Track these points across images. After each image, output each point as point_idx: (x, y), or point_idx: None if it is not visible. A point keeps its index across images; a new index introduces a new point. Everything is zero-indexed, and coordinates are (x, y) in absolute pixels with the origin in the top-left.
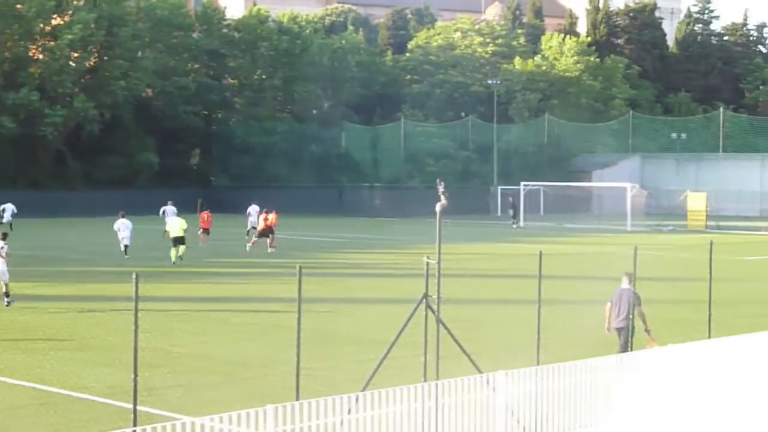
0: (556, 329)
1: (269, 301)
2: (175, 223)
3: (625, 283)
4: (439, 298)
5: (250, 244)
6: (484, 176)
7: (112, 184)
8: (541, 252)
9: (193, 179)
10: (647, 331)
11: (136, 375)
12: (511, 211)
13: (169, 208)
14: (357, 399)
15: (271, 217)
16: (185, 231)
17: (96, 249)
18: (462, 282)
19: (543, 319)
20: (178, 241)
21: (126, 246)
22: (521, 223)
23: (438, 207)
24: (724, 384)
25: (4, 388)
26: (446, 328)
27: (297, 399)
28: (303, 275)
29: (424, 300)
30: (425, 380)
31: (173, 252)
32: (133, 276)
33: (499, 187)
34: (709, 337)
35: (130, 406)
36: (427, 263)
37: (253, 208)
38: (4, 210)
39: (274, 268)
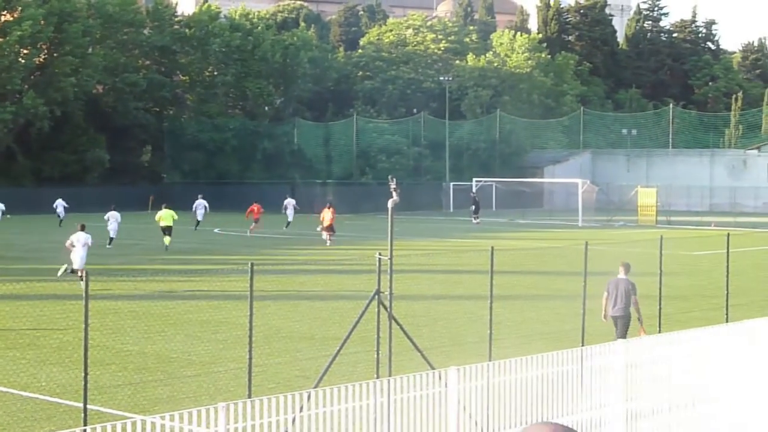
0: (507, 324)
1: (220, 299)
2: (166, 214)
3: (621, 273)
4: (391, 294)
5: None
6: (437, 172)
7: (62, 181)
8: (492, 247)
9: (144, 176)
10: (639, 320)
11: (86, 373)
12: (473, 207)
13: (112, 213)
14: (309, 396)
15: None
16: (175, 220)
17: (43, 246)
18: (414, 278)
19: (495, 314)
20: (167, 230)
21: (111, 238)
22: (480, 219)
23: (390, 203)
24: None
25: None
26: (398, 324)
27: (249, 396)
28: (254, 272)
29: (376, 296)
30: (378, 376)
31: (165, 239)
32: (83, 273)
33: (451, 183)
34: (659, 332)
35: (81, 405)
36: (380, 259)
37: (289, 202)
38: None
39: (224, 264)
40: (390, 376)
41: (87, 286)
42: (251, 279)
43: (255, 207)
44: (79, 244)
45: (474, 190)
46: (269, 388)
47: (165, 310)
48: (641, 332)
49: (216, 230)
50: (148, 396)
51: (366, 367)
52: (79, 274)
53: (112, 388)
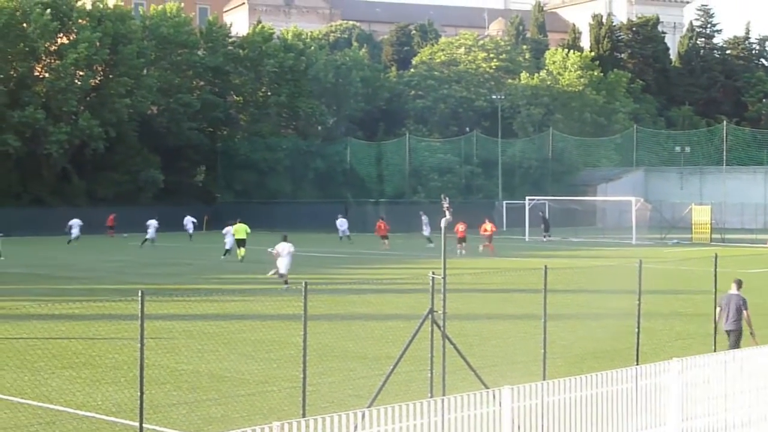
0: (560, 343)
1: (273, 318)
2: (241, 228)
3: (733, 289)
4: (444, 313)
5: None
6: (489, 191)
7: (116, 201)
8: (546, 266)
9: (197, 196)
10: (752, 334)
11: (141, 392)
12: (542, 225)
13: (152, 222)
14: (363, 415)
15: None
16: (248, 234)
17: (100, 266)
18: (467, 297)
19: (548, 333)
20: (241, 243)
21: (227, 250)
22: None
23: (443, 222)
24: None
25: (9, 407)
26: (452, 343)
27: (303, 416)
28: (307, 291)
29: (429, 315)
30: (431, 396)
31: (239, 251)
32: (139, 293)
33: (504, 202)
34: (714, 350)
35: (136, 423)
36: (433, 278)
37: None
38: (71, 227)
39: (277, 284)
40: (443, 395)
41: (143, 305)
42: (305, 298)
43: (381, 224)
44: (284, 252)
45: (544, 209)
46: (322, 407)
47: (218, 329)
48: (753, 343)
49: (270, 250)
50: (202, 415)
51: (419, 386)
52: (285, 279)
53: (166, 407)
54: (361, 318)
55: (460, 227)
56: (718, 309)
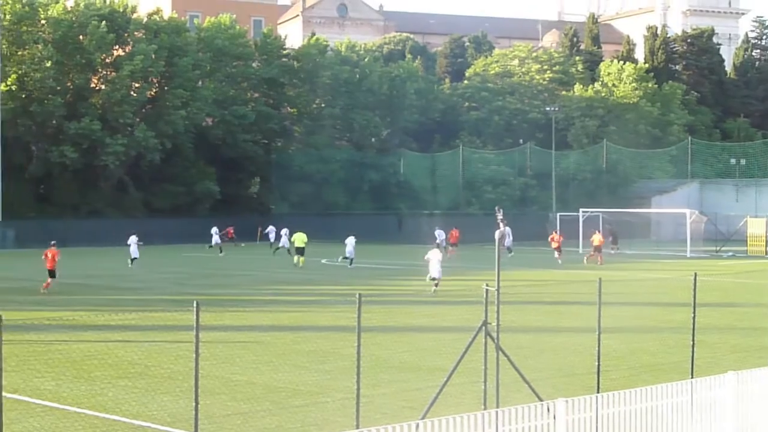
0: (614, 356)
1: (326, 329)
2: (300, 236)
3: None
4: (498, 325)
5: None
6: (543, 202)
7: (172, 213)
8: (600, 279)
9: (253, 207)
10: None
11: (196, 402)
12: (611, 238)
13: (132, 238)
14: (417, 427)
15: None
16: (306, 243)
17: (155, 277)
18: (520, 309)
19: (603, 345)
20: (299, 251)
21: (351, 259)
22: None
23: (497, 234)
24: None
25: (67, 417)
26: (506, 355)
27: (357, 427)
28: (361, 303)
29: (483, 327)
30: (485, 408)
31: (296, 258)
32: (194, 304)
33: (558, 214)
34: None
35: None
36: (487, 290)
37: (438, 233)
38: (268, 232)
39: (331, 295)
40: (497, 407)
41: (198, 315)
42: (359, 309)
43: (454, 232)
44: (435, 258)
45: (610, 222)
46: (375, 418)
47: (273, 340)
48: None
49: (323, 261)
50: (257, 426)
51: (473, 398)
52: (436, 282)
53: (221, 418)
54: (415, 330)
55: (556, 236)
56: None
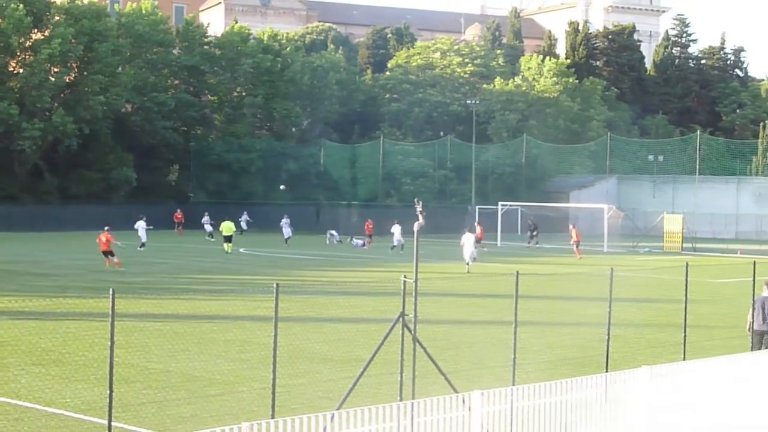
0: (530, 350)
1: (244, 319)
2: (227, 225)
3: (765, 292)
4: (415, 316)
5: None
6: (462, 195)
7: (88, 199)
8: (517, 272)
9: (170, 195)
10: None
11: (111, 390)
12: (529, 232)
13: (140, 223)
14: (332, 417)
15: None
16: (233, 231)
17: (71, 263)
18: (438, 301)
19: (519, 339)
20: (227, 239)
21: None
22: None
23: (416, 226)
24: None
25: None
26: (423, 347)
27: (273, 416)
28: (279, 292)
29: (400, 319)
30: (401, 399)
31: (226, 246)
32: (110, 291)
33: (477, 207)
34: (684, 359)
35: (105, 422)
36: (404, 282)
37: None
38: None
39: (249, 284)
40: (413, 399)
41: (113, 302)
42: (276, 299)
43: (369, 223)
44: (468, 242)
45: (531, 215)
46: (292, 408)
47: (190, 329)
48: None
49: (242, 250)
50: (172, 414)
51: (389, 389)
52: (469, 267)
53: (136, 406)
54: (332, 320)
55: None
56: (750, 310)
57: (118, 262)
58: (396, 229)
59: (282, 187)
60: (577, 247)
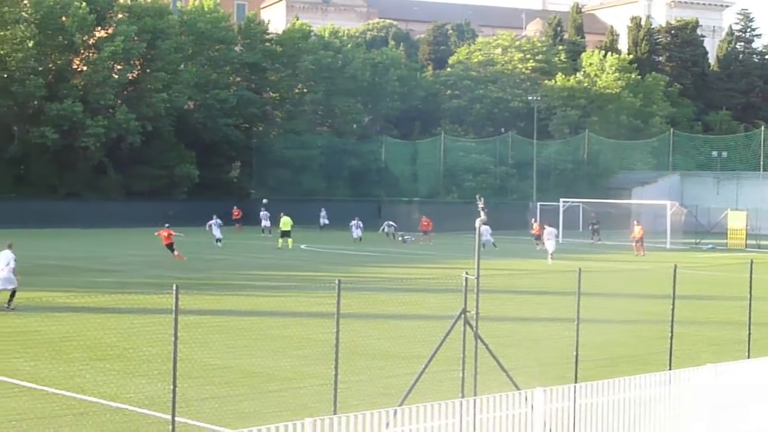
0: (592, 346)
1: (304, 315)
2: (285, 220)
3: None
4: (477, 313)
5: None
6: (522, 192)
7: (150, 196)
8: (580, 269)
9: (231, 191)
10: None
11: (174, 386)
12: (590, 227)
13: (212, 221)
14: (395, 413)
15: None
16: (292, 227)
17: (131, 260)
18: (499, 298)
19: (581, 335)
20: (285, 234)
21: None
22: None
23: (478, 222)
24: None
25: (43, 398)
26: (484, 343)
27: (334, 413)
28: (340, 289)
29: (462, 315)
30: (462, 396)
31: (281, 241)
32: (174, 287)
33: (538, 203)
34: (748, 357)
35: (167, 416)
36: (466, 278)
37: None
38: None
39: (309, 281)
40: (475, 395)
41: (177, 298)
42: (338, 295)
43: (424, 220)
44: (552, 236)
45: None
46: (352, 404)
47: (250, 325)
48: None
49: (303, 246)
50: (233, 409)
51: (450, 386)
52: (550, 259)
53: (198, 401)
54: (393, 317)
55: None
56: None
57: (179, 254)
58: (484, 229)
59: (264, 200)
60: (638, 243)
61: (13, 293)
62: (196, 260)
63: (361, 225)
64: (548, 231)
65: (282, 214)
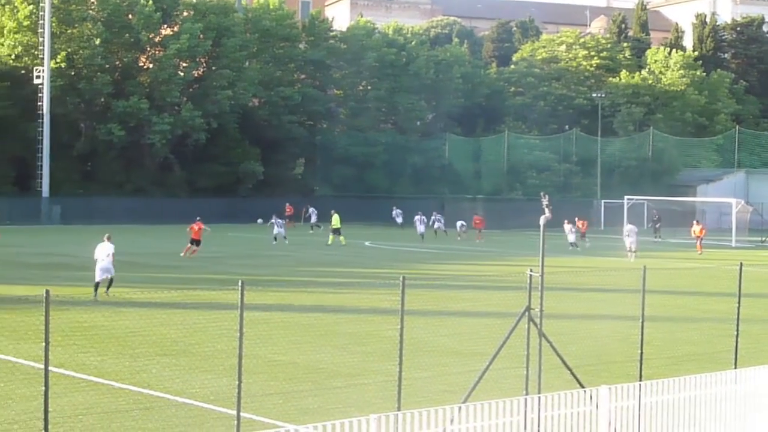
0: (656, 345)
1: (367, 312)
2: (335, 218)
3: None
4: (541, 310)
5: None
6: (586, 189)
7: (215, 192)
8: (645, 267)
9: (296, 188)
10: None
11: (240, 381)
12: (652, 224)
13: (277, 221)
14: (459, 410)
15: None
16: (341, 223)
17: (197, 256)
18: (562, 295)
19: (645, 333)
20: (336, 231)
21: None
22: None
23: (542, 219)
24: None
25: (110, 392)
26: (548, 341)
27: (398, 409)
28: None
29: (526, 312)
30: (526, 393)
31: (331, 237)
32: (239, 283)
33: (602, 201)
34: None
35: (232, 412)
36: (530, 276)
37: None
38: (311, 213)
39: (373, 278)
40: (539, 393)
41: (242, 294)
42: (402, 292)
43: (477, 219)
44: (632, 233)
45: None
46: (416, 401)
47: (315, 321)
48: None
49: (367, 243)
50: (298, 405)
51: (513, 383)
52: (632, 257)
53: (262, 397)
54: (456, 314)
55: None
56: None
57: (195, 250)
58: (566, 227)
59: (259, 220)
60: (700, 241)
61: (110, 281)
62: (260, 257)
63: (425, 220)
64: (628, 228)
65: (333, 212)
